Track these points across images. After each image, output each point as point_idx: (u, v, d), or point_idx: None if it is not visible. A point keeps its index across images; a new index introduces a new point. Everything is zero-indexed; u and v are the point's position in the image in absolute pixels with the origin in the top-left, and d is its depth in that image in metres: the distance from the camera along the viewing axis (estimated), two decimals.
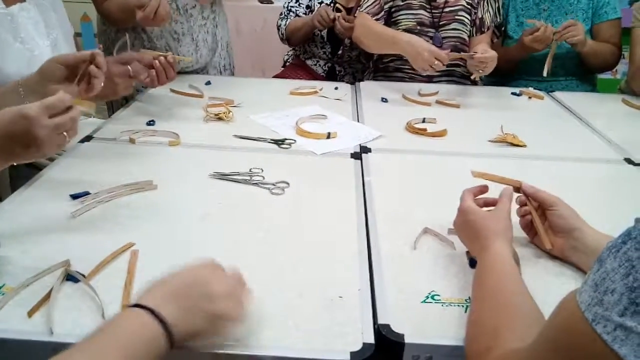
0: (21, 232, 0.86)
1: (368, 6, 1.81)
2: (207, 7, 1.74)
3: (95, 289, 0.72)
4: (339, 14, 1.92)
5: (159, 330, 0.56)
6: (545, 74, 1.79)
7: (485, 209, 0.83)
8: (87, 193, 0.98)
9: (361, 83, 1.84)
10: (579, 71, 1.97)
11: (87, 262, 0.78)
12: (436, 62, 1.56)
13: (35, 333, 0.66)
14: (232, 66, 1.97)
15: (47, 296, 0.71)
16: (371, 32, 1.79)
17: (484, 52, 1.61)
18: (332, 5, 2.03)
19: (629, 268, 0.40)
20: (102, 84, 1.02)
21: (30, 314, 0.68)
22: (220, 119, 1.39)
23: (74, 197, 0.97)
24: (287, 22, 2.07)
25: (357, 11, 1.88)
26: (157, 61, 1.29)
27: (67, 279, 0.75)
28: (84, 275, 0.75)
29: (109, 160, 1.15)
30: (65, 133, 0.79)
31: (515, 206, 0.87)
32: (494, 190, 0.87)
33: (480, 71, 1.61)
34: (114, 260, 0.80)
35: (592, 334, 0.41)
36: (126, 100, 1.63)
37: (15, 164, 0.84)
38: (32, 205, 0.96)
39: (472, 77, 1.66)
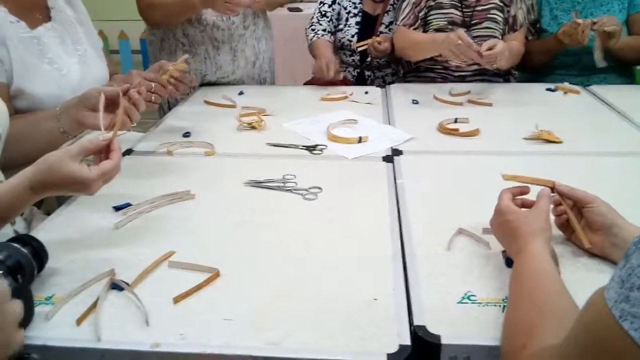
0: (68, 244, 0.91)
1: (403, 18, 1.83)
2: (249, 17, 1.79)
3: (139, 296, 0.75)
4: (376, 39, 1.91)
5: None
6: (598, 64, 1.75)
7: (522, 210, 0.82)
8: (129, 204, 1.02)
9: (391, 86, 1.84)
10: (616, 64, 1.91)
11: (130, 270, 0.82)
12: (459, 41, 1.53)
13: (84, 340, 0.69)
14: (273, 82, 2.00)
15: (94, 305, 0.74)
16: (412, 43, 1.81)
17: (491, 47, 1.57)
18: (359, 14, 2.04)
19: None
20: (135, 123, 1.05)
21: (78, 322, 0.72)
22: (253, 127, 1.42)
23: (117, 208, 1.01)
24: (312, 39, 2.07)
25: (394, 25, 1.89)
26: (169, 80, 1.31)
27: (113, 288, 0.78)
28: (127, 284, 0.78)
29: (149, 172, 1.19)
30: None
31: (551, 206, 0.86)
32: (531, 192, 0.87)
33: (494, 65, 1.60)
34: (155, 268, 0.83)
35: (619, 330, 0.41)
36: (162, 114, 1.70)
37: None
38: (78, 218, 1.00)
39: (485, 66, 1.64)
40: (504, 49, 1.58)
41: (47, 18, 1.24)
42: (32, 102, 1.15)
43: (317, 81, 2.12)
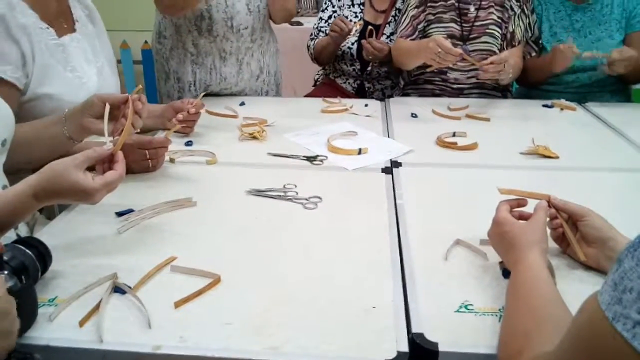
0: (71, 248, 0.92)
1: (402, 30, 1.88)
2: (257, 31, 1.82)
3: (141, 299, 0.76)
4: (372, 39, 1.95)
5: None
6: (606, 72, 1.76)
7: (520, 221, 0.84)
8: (131, 210, 1.03)
9: (390, 99, 1.87)
10: (612, 83, 1.94)
11: (132, 274, 0.82)
12: (439, 50, 1.57)
13: (86, 341, 0.70)
14: (279, 94, 2.03)
15: (97, 307, 0.75)
16: (403, 51, 1.85)
17: (495, 59, 1.61)
18: (360, 20, 2.07)
19: None
20: (137, 130, 1.04)
21: (81, 323, 0.73)
22: (254, 137, 1.44)
23: (119, 214, 1.02)
24: (315, 42, 2.13)
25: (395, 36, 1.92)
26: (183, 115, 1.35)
27: (115, 291, 0.79)
28: (130, 287, 0.79)
29: (151, 179, 1.21)
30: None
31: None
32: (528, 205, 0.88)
33: (503, 78, 1.64)
34: (157, 272, 0.84)
35: (612, 331, 0.42)
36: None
37: None
38: (81, 223, 1.01)
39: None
40: (504, 58, 1.62)
41: (72, 30, 1.31)
42: (49, 106, 1.18)
43: (317, 94, 2.15)
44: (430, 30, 1.85)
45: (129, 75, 3.80)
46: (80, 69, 1.27)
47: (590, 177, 1.23)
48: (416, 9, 1.85)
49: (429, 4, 1.85)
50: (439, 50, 1.57)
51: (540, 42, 1.93)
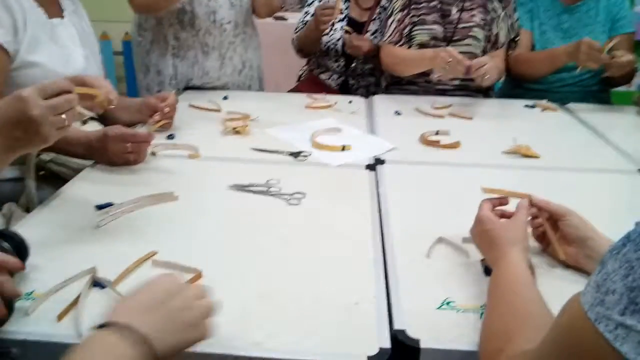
0: (49, 241, 0.90)
1: (389, 36, 1.88)
2: (240, 26, 1.80)
3: (121, 294, 0.75)
4: (352, 35, 1.95)
5: (131, 347, 0.53)
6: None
7: (501, 220, 0.84)
8: (111, 204, 1.01)
9: (375, 97, 1.87)
10: (594, 84, 1.97)
11: (112, 269, 0.81)
12: (449, 59, 1.60)
13: (64, 336, 0.69)
14: (261, 89, 2.02)
15: (76, 301, 0.74)
16: (399, 59, 1.86)
17: (480, 62, 1.63)
18: (344, 19, 2.07)
19: (628, 269, 0.42)
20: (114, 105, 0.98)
21: (59, 318, 0.71)
22: (238, 132, 1.43)
23: (99, 207, 1.01)
24: (299, 33, 2.13)
25: (381, 41, 1.92)
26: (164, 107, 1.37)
27: (94, 285, 0.78)
28: (110, 281, 0.78)
29: (132, 172, 1.19)
30: (64, 115, 0.79)
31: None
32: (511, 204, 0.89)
33: (486, 80, 1.64)
34: (138, 267, 0.83)
35: (595, 332, 0.43)
36: None
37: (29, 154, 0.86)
38: (59, 216, 0.99)
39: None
40: (492, 67, 1.64)
41: (61, 16, 1.33)
42: (37, 76, 1.18)
43: (300, 89, 2.15)
44: (414, 32, 1.85)
45: (110, 67, 3.74)
46: (67, 48, 1.29)
47: (571, 177, 1.25)
48: (401, 13, 1.86)
49: (412, 7, 1.85)
50: (450, 60, 1.60)
51: (517, 39, 1.94)
